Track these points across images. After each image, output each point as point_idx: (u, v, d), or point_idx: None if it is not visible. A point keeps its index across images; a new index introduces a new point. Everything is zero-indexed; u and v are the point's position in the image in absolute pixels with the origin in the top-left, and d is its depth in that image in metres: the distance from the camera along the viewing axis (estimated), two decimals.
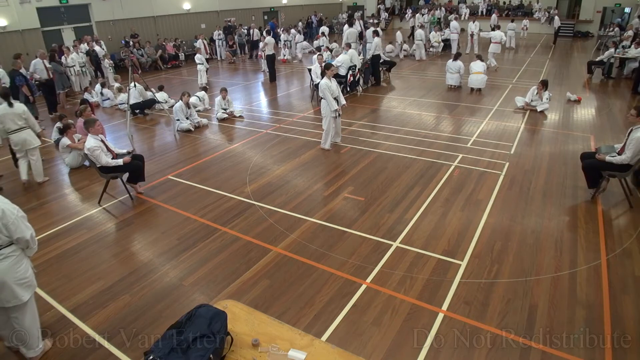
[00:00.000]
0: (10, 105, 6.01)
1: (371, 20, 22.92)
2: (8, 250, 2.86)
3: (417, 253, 4.32)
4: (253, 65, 16.99)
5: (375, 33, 11.97)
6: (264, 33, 15.70)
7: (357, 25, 16.29)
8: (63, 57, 12.23)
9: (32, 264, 3.10)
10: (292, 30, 18.88)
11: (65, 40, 15.19)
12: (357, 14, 23.73)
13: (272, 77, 13.31)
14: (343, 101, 7.20)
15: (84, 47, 13.92)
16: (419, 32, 16.41)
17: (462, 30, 19.04)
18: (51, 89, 10.42)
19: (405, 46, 17.60)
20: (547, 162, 6.49)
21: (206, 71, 13.14)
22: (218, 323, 2.16)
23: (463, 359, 3.06)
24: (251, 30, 19.04)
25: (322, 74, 7.15)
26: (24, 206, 5.63)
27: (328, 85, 6.79)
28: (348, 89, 11.04)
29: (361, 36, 14.76)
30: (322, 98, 6.98)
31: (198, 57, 12.95)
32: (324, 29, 18.23)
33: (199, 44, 16.13)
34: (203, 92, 10.50)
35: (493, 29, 14.71)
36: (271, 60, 13.14)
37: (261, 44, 14.75)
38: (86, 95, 11.15)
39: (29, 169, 6.44)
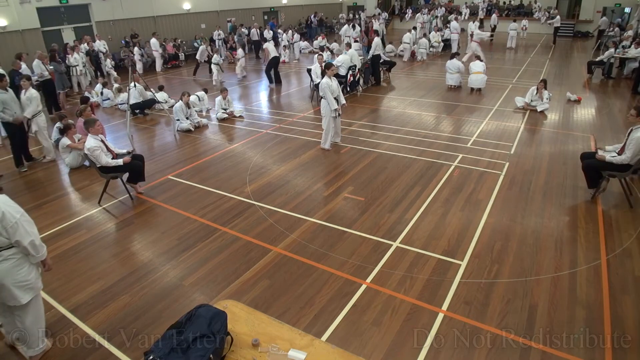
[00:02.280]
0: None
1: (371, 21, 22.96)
2: (8, 252, 2.83)
3: (417, 253, 4.32)
4: (253, 66, 16.98)
5: (375, 33, 11.98)
6: (265, 34, 15.58)
7: (357, 26, 16.33)
8: (68, 56, 12.29)
9: (40, 266, 3.11)
10: (290, 31, 18.89)
11: (65, 41, 15.21)
12: (363, 15, 23.80)
13: (271, 80, 12.93)
14: (343, 101, 7.20)
15: (84, 47, 13.93)
16: (407, 35, 16.43)
17: (462, 30, 19.04)
18: (51, 89, 10.43)
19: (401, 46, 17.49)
20: (547, 162, 6.49)
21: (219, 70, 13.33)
22: (218, 323, 2.16)
23: (463, 359, 3.06)
24: (252, 30, 18.97)
25: (323, 74, 7.16)
26: (24, 206, 5.57)
27: (329, 84, 6.80)
28: (348, 89, 11.04)
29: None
30: (322, 97, 6.98)
31: (215, 58, 13.21)
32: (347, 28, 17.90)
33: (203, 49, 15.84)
34: (203, 92, 10.48)
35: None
36: (274, 63, 12.69)
37: (239, 52, 14.29)
38: (86, 94, 11.17)
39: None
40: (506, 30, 19.44)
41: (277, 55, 12.90)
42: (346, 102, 7.71)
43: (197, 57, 15.16)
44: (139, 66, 15.88)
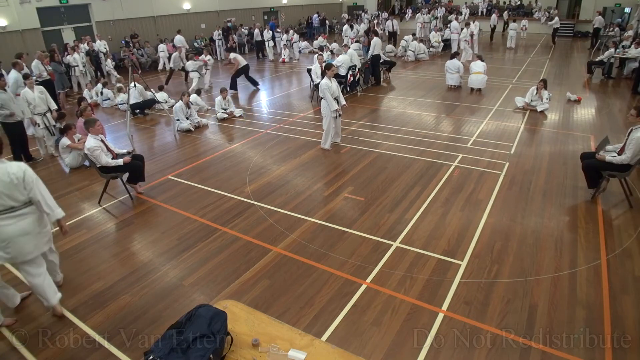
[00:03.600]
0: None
1: (375, 20, 23.07)
2: (19, 212, 3.30)
3: (417, 253, 4.32)
4: (253, 66, 16.97)
5: (375, 33, 11.97)
6: (262, 36, 15.19)
7: (357, 27, 16.37)
8: (68, 56, 12.31)
9: (55, 226, 3.59)
10: (291, 31, 18.90)
11: (65, 41, 15.21)
12: (365, 15, 23.84)
13: (234, 86, 12.41)
14: (343, 101, 7.19)
15: (83, 47, 13.93)
16: (413, 44, 16.42)
17: (462, 29, 19.02)
18: (51, 90, 10.42)
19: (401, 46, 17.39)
20: (547, 162, 6.49)
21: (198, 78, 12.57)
22: (218, 323, 2.16)
23: (463, 359, 3.06)
24: (255, 31, 18.92)
25: (323, 74, 7.14)
26: None
27: (328, 85, 6.79)
28: (348, 89, 11.04)
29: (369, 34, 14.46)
30: (322, 98, 6.97)
31: (189, 65, 12.36)
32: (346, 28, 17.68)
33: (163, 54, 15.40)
34: (195, 95, 10.36)
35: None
36: (244, 70, 12.42)
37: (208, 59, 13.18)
38: (85, 93, 11.16)
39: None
40: (507, 30, 19.49)
41: (247, 63, 12.55)
42: (346, 102, 7.69)
43: (171, 65, 13.78)
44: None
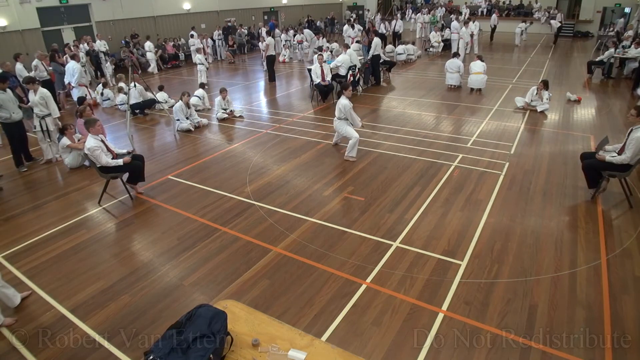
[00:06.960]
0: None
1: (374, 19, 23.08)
2: None
3: (417, 253, 4.32)
4: (253, 65, 16.98)
5: (375, 33, 11.95)
6: (264, 34, 15.75)
7: (357, 26, 16.37)
8: (65, 57, 12.29)
9: None
10: (291, 31, 18.87)
11: (65, 41, 15.21)
12: (369, 14, 23.87)
13: (272, 78, 13.27)
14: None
15: (83, 47, 13.92)
16: (411, 47, 16.32)
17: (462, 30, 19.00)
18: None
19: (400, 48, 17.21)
20: (547, 162, 6.48)
21: (206, 71, 13.13)
22: (218, 323, 2.16)
23: (463, 359, 3.06)
24: (260, 30, 18.92)
25: (339, 95, 6.97)
26: (24, 206, 5.66)
27: (351, 105, 6.70)
28: None
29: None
30: (340, 119, 6.78)
31: (199, 58, 12.91)
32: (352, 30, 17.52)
33: (195, 43, 15.93)
34: (202, 90, 10.49)
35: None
36: (271, 61, 13.12)
37: (261, 45, 14.59)
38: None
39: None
40: (505, 29, 19.50)
41: (274, 54, 13.09)
42: None
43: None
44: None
